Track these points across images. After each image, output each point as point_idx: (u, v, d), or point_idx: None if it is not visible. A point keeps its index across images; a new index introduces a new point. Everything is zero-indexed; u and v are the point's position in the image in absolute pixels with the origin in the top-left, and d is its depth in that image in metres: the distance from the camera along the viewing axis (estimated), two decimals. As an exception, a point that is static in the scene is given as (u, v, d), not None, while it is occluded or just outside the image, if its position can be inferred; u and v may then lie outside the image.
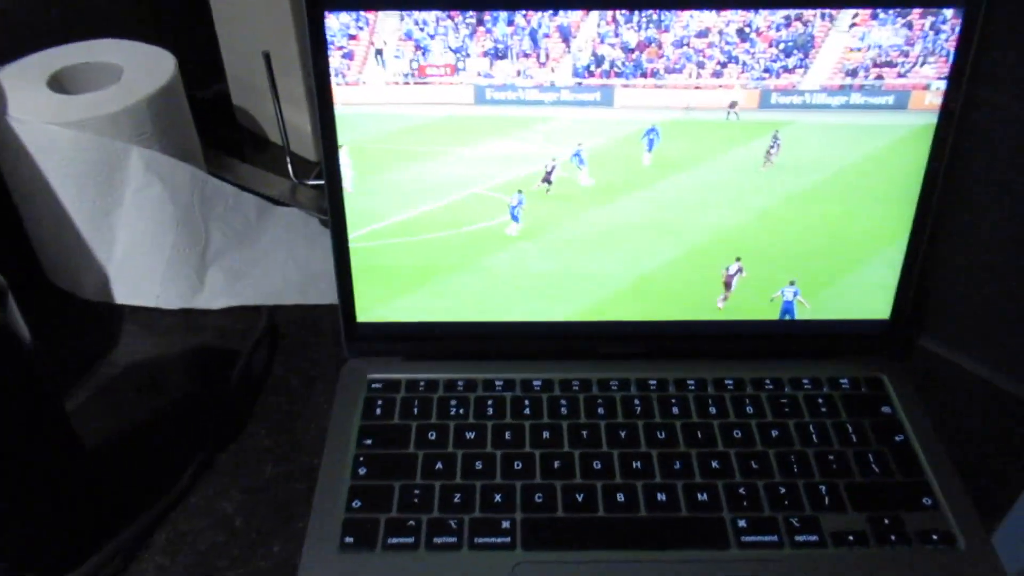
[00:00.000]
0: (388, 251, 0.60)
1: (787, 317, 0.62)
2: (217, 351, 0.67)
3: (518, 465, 0.55)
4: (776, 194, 0.59)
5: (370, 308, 0.62)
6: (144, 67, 0.72)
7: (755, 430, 0.58)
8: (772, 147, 0.57)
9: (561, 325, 0.63)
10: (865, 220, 0.59)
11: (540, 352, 0.63)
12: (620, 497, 0.54)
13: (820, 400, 0.60)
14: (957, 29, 0.53)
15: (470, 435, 0.57)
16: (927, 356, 0.67)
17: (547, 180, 0.58)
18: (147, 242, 0.70)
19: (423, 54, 0.55)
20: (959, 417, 0.62)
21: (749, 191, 0.59)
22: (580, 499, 0.54)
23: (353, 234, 0.59)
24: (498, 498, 0.53)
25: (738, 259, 0.60)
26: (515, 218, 0.59)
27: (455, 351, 0.63)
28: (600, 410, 0.59)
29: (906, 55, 0.55)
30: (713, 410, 0.59)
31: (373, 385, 0.61)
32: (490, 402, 0.60)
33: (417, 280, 0.61)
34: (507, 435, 0.57)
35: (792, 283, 0.61)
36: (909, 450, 0.57)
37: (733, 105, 0.56)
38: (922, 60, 0.55)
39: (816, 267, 0.61)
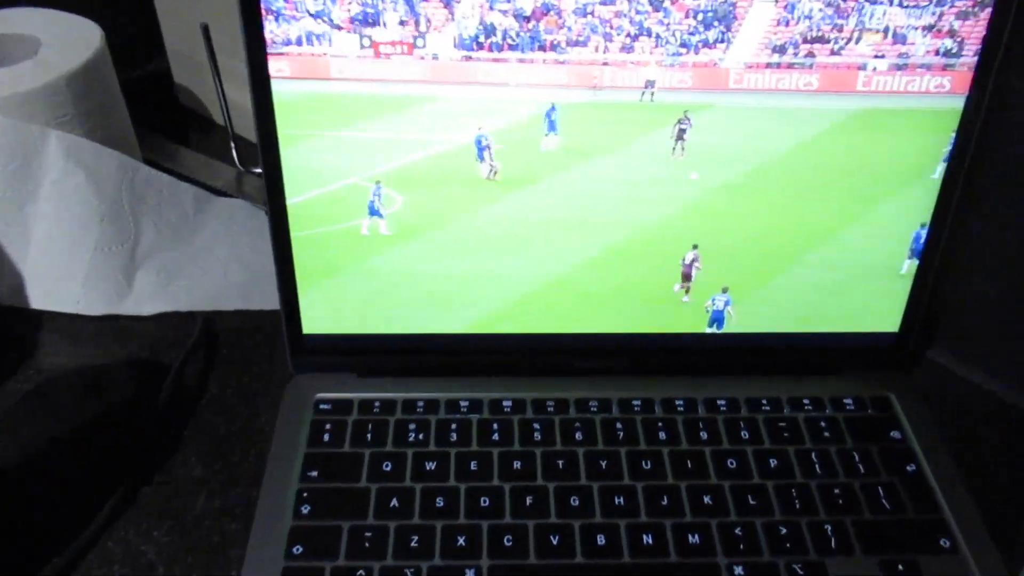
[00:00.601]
0: (333, 248, 0.52)
1: (715, 328, 0.56)
2: (145, 364, 0.59)
3: (485, 502, 0.49)
4: (698, 186, 0.52)
5: (318, 317, 0.54)
6: (65, 40, 0.65)
7: (752, 459, 0.52)
8: (684, 128, 0.50)
9: (532, 338, 0.56)
10: (816, 215, 0.53)
11: (510, 368, 0.57)
12: (600, 539, 0.47)
13: (823, 423, 0.54)
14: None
15: (430, 466, 0.51)
16: (935, 370, 0.61)
17: (491, 161, 0.52)
18: (67, 239, 0.62)
19: (276, 19, 0.47)
20: (973, 441, 0.56)
21: (672, 182, 0.52)
22: (555, 542, 0.47)
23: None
24: (461, 541, 0.47)
25: (695, 247, 0.53)
26: (375, 212, 0.52)
27: (416, 367, 0.56)
28: (578, 435, 0.53)
29: (840, 30, 0.48)
30: (704, 435, 0.53)
31: (321, 406, 0.54)
32: (454, 426, 0.53)
33: (366, 284, 0.54)
34: (472, 465, 0.51)
35: (725, 290, 0.55)
36: (923, 482, 0.51)
37: (649, 84, 0.50)
38: (857, 36, 0.48)
39: (755, 267, 0.54)
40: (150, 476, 0.52)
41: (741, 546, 0.47)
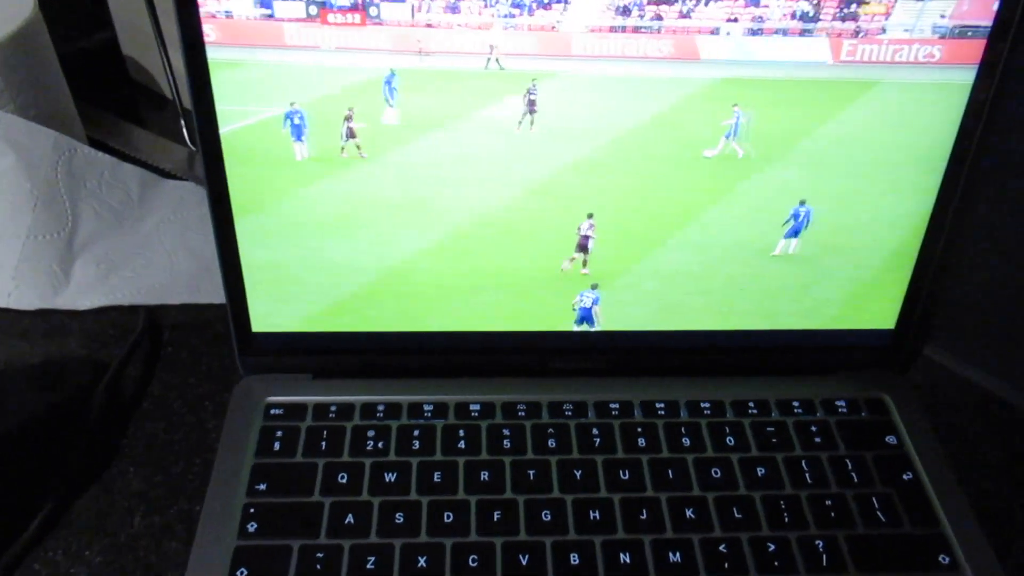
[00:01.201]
0: (277, 240, 0.48)
1: (585, 326, 0.52)
2: (79, 363, 0.54)
3: (448, 517, 0.45)
4: (548, 164, 0.48)
5: (269, 313, 0.50)
6: (-8, 7, 0.59)
7: (737, 468, 0.48)
8: (534, 98, 0.46)
9: (508, 336, 0.52)
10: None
11: (478, 367, 0.53)
12: (574, 559, 0.43)
13: (814, 428, 0.50)
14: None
15: (390, 477, 0.47)
16: (930, 369, 0.57)
17: (352, 135, 0.46)
18: (-4, 226, 0.57)
19: None
20: (971, 445, 0.53)
21: (521, 158, 0.47)
22: (524, 562, 0.43)
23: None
24: (422, 562, 0.43)
25: (590, 216, 0.49)
26: None
27: (376, 367, 0.52)
28: (551, 442, 0.49)
29: None
30: (687, 441, 0.49)
31: (272, 411, 0.50)
32: (416, 433, 0.49)
33: (317, 278, 0.49)
34: (436, 477, 0.47)
35: (594, 287, 0.51)
36: (920, 492, 0.47)
37: (492, 50, 0.44)
38: None
39: (618, 252, 0.50)
40: (82, 489, 0.48)
41: (726, 564, 0.44)
